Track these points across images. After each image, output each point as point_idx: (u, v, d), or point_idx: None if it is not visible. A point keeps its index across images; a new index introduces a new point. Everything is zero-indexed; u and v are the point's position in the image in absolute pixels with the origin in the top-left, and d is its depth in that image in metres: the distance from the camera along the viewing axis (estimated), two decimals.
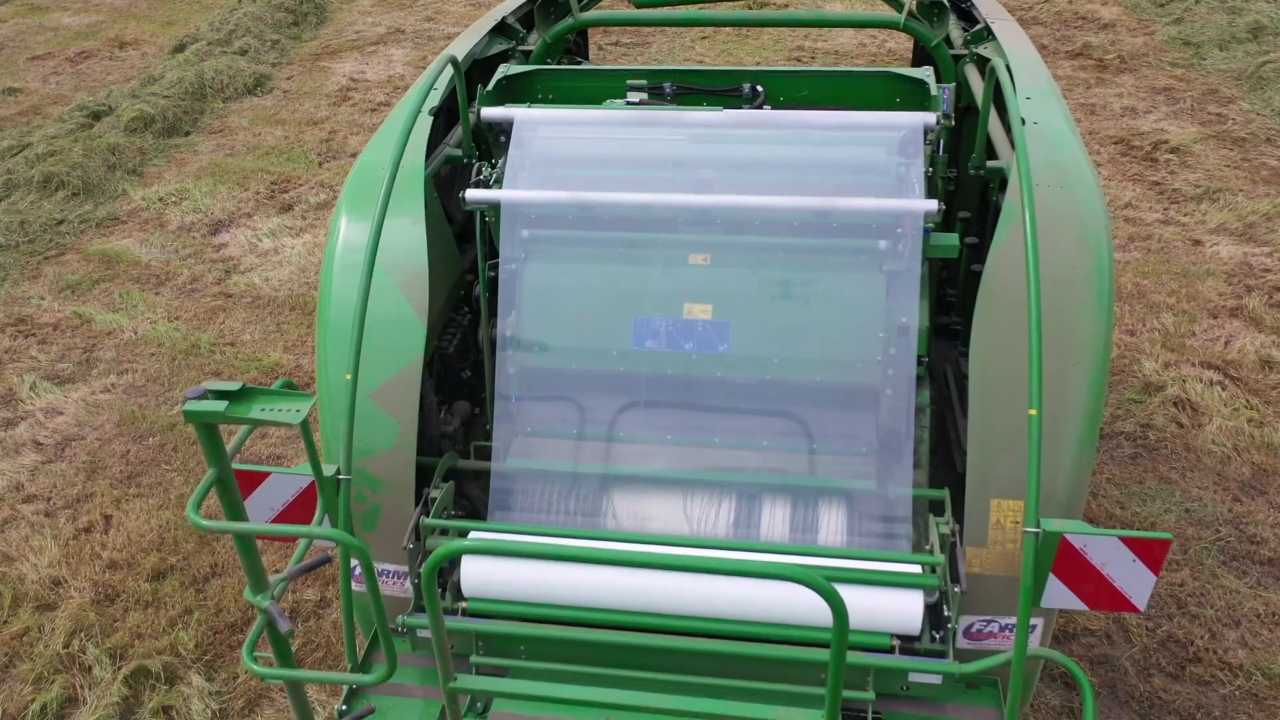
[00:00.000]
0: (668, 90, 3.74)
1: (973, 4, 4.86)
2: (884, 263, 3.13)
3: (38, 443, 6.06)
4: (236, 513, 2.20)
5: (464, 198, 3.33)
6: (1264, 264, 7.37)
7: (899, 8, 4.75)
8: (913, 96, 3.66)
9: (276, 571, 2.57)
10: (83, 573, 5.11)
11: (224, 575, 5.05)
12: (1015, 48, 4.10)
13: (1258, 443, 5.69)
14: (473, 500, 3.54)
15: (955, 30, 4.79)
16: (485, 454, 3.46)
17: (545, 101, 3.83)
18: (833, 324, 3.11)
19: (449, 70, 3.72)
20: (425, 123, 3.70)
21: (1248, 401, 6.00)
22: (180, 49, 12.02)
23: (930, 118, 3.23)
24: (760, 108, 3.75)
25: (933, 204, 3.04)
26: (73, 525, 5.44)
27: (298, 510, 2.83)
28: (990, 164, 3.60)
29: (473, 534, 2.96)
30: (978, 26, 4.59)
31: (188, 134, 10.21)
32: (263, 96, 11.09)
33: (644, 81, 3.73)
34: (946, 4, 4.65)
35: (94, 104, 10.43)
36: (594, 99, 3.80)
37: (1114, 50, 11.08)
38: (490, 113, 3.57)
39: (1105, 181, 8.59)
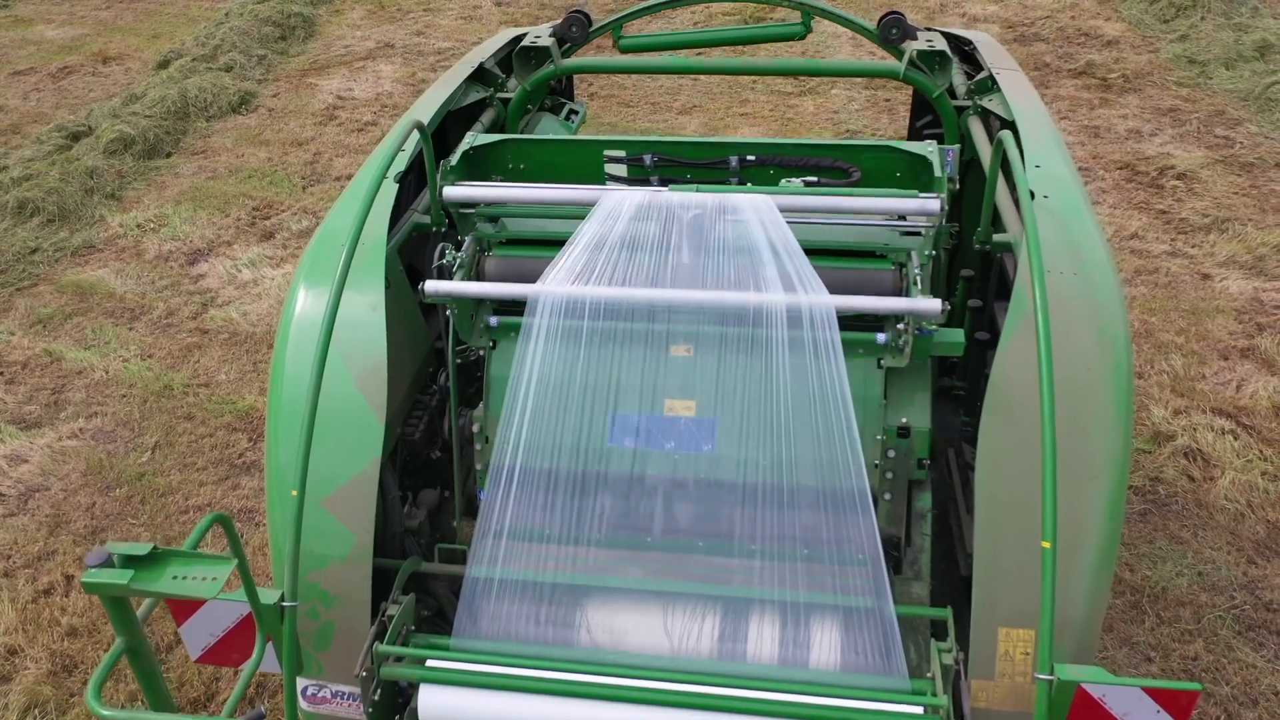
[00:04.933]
0: (648, 162, 3.43)
1: (975, 48, 4.60)
2: (882, 357, 2.88)
3: (0, 494, 5.81)
4: (154, 687, 1.95)
5: (423, 290, 3.08)
6: (1275, 300, 7.13)
7: (899, 55, 4.49)
8: (912, 171, 3.34)
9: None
10: (40, 640, 4.86)
11: None
12: (1021, 104, 3.85)
13: (1272, 499, 5.46)
14: (438, 599, 3.29)
15: (959, 77, 4.54)
16: (449, 555, 3.22)
17: (516, 172, 3.57)
18: (826, 423, 2.85)
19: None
20: (391, 189, 3.47)
21: (1261, 453, 5.76)
22: (164, 65, 11.76)
23: (933, 203, 2.95)
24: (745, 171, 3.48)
25: (935, 304, 2.77)
26: (32, 587, 5.19)
27: (239, 638, 2.57)
28: (997, 238, 3.35)
29: (430, 662, 2.71)
30: (982, 75, 4.34)
31: (169, 155, 9.95)
32: (247, 115, 10.83)
33: (623, 152, 3.43)
34: (950, 55, 4.39)
35: (73, 124, 10.17)
36: (568, 169, 3.50)
37: (1118, 69, 10.83)
38: (453, 193, 3.27)
39: (1110, 210, 8.35)
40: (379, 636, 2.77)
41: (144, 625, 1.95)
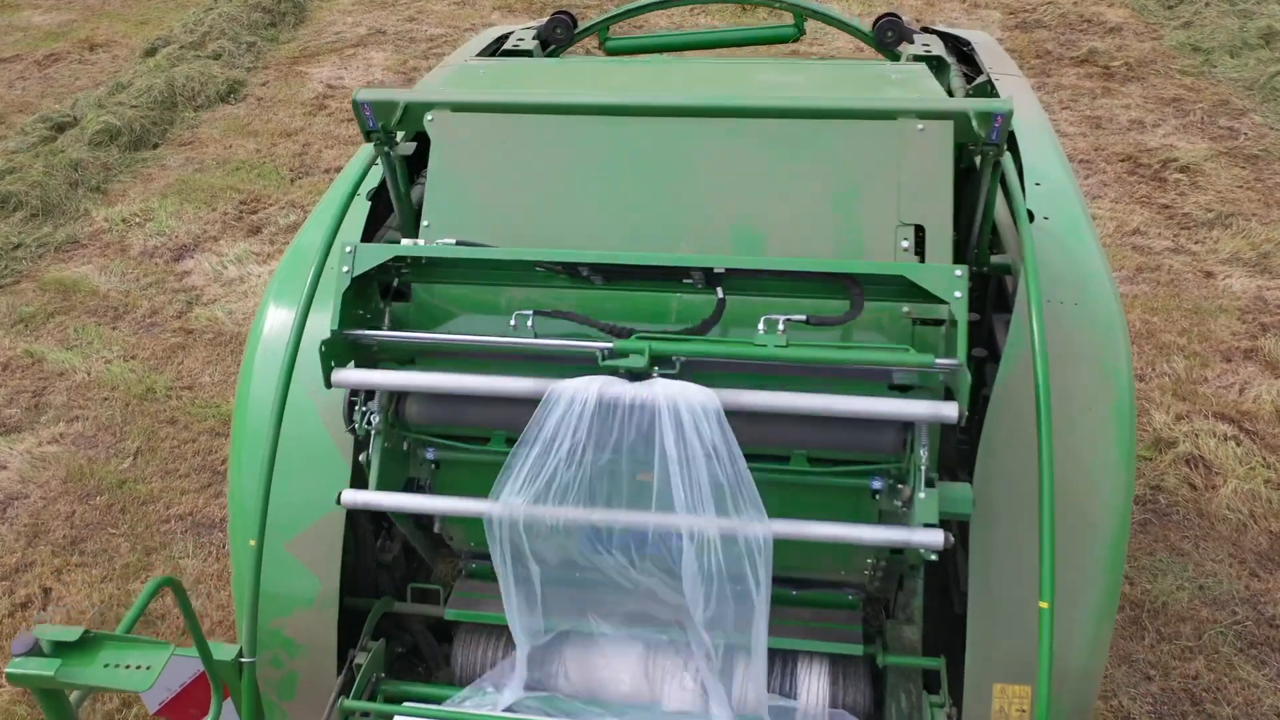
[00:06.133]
0: (585, 273, 2.62)
1: (974, 49, 4.45)
2: (878, 494, 2.61)
3: None
4: None
5: (340, 500, 2.61)
6: (1279, 298, 7.00)
7: (895, 58, 4.35)
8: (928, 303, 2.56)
9: None
10: None
11: None
12: (1020, 113, 3.69)
13: (1275, 508, 5.34)
14: (414, 635, 3.18)
15: (957, 80, 4.38)
16: (423, 595, 3.09)
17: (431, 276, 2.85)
18: (818, 547, 2.61)
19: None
20: (363, 206, 3.32)
21: (1264, 459, 5.64)
22: (152, 52, 11.58)
23: (949, 409, 2.30)
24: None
25: (937, 537, 2.31)
26: (9, 600, 5.08)
27: (197, 692, 2.46)
28: (995, 259, 3.21)
29: (398, 718, 2.60)
30: (980, 79, 4.19)
31: (156, 146, 9.78)
32: (236, 104, 10.66)
33: (558, 264, 2.59)
34: (946, 59, 4.23)
35: (58, 114, 9.99)
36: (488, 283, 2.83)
37: (1121, 57, 10.65)
38: (344, 378, 2.60)
39: (1112, 204, 8.20)
40: (345, 689, 2.65)
41: (79, 707, 1.83)
